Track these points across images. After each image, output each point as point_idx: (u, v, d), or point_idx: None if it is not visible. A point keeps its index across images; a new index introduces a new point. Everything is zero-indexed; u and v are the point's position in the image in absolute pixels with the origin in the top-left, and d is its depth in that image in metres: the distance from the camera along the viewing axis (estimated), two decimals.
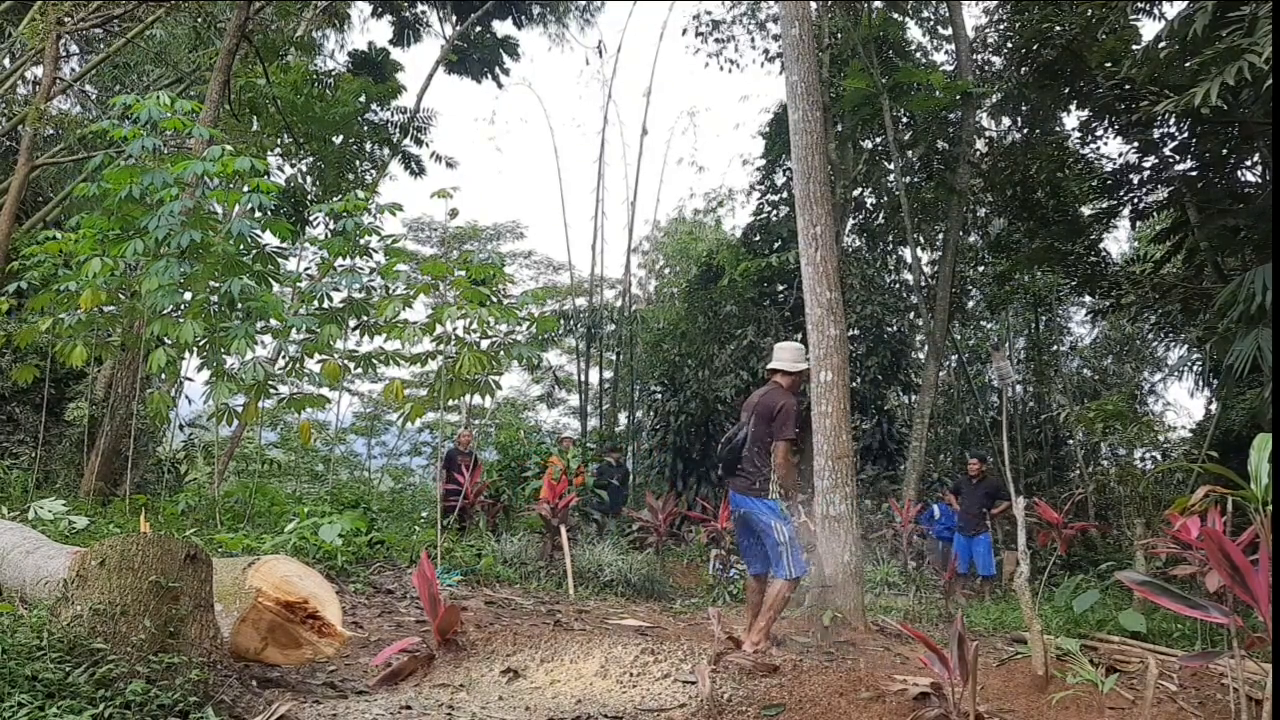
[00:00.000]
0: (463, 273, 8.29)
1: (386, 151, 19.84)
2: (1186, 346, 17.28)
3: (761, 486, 5.63)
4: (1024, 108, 14.74)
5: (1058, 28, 12.03)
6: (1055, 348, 21.42)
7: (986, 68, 16.12)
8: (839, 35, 16.39)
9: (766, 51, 19.13)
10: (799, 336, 16.62)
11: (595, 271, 23.62)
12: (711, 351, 17.76)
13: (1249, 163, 11.45)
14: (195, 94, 13.32)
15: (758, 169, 20.15)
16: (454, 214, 10.37)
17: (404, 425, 9.70)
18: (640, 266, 27.67)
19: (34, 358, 10.41)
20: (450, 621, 4.85)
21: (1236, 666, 3.60)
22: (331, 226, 10.48)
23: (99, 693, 3.10)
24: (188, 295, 8.39)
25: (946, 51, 18.28)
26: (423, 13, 21.84)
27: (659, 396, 18.26)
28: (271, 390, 8.97)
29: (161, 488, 11.76)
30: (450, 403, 9.53)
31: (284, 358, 9.44)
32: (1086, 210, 14.29)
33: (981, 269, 19.28)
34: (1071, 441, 18.15)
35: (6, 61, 14.63)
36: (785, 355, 5.95)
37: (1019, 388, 19.97)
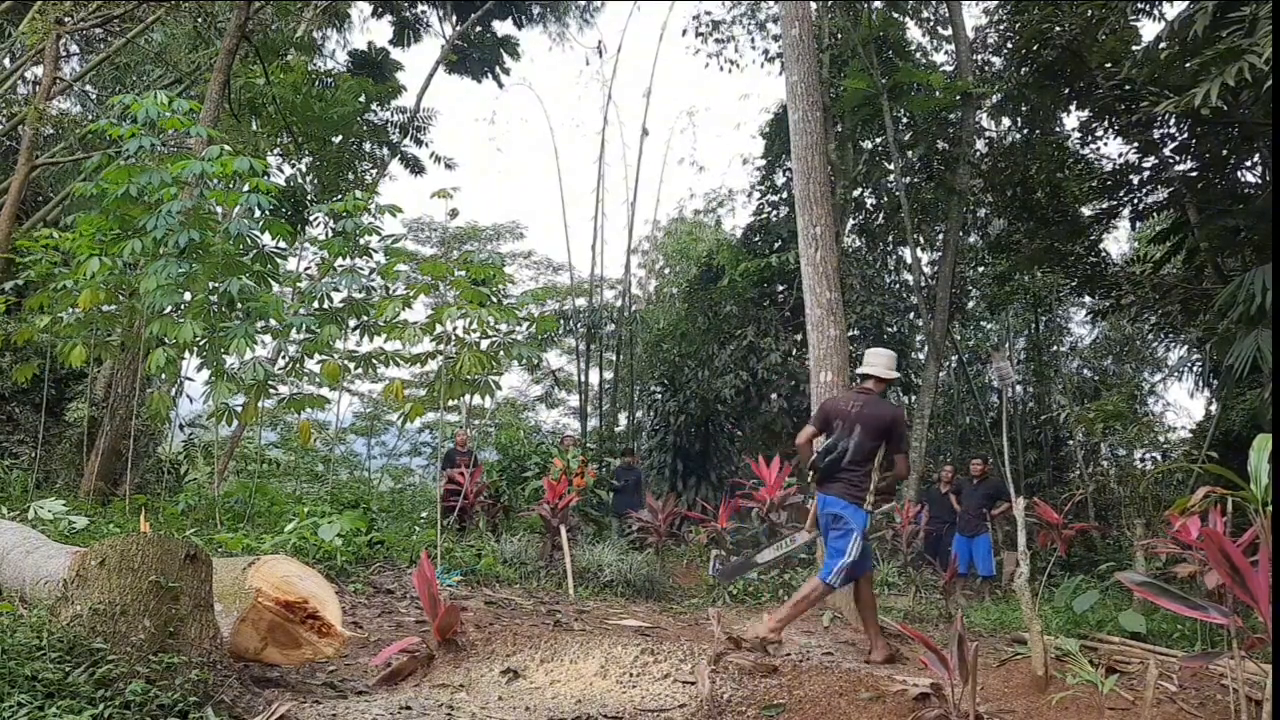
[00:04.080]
0: (463, 273, 8.28)
1: (386, 151, 19.84)
2: (1186, 347, 17.27)
3: (862, 495, 5.60)
4: (1024, 108, 14.73)
5: (1058, 28, 12.01)
6: (1055, 348, 21.43)
7: (986, 68, 16.12)
8: (839, 35, 16.39)
9: (766, 51, 19.14)
10: (800, 337, 16.65)
11: (595, 272, 23.58)
12: (711, 351, 17.75)
13: (1249, 163, 11.46)
14: (195, 94, 13.30)
15: (758, 169, 20.16)
16: (454, 214, 10.36)
17: (404, 425, 9.71)
18: (640, 267, 27.66)
19: (34, 357, 10.40)
20: (450, 621, 4.85)
21: (1236, 667, 3.60)
22: (331, 226, 10.48)
23: (99, 693, 3.10)
24: (187, 295, 8.38)
25: (946, 52, 18.29)
26: (423, 13, 21.86)
27: (659, 397, 18.23)
28: (271, 390, 8.97)
29: (161, 488, 11.74)
30: (450, 403, 9.52)
31: (284, 358, 9.44)
32: (1086, 210, 14.28)
33: (981, 269, 19.28)
34: (1071, 442, 18.14)
35: (6, 61, 14.63)
36: (879, 361, 5.85)
37: (1019, 388, 19.97)
